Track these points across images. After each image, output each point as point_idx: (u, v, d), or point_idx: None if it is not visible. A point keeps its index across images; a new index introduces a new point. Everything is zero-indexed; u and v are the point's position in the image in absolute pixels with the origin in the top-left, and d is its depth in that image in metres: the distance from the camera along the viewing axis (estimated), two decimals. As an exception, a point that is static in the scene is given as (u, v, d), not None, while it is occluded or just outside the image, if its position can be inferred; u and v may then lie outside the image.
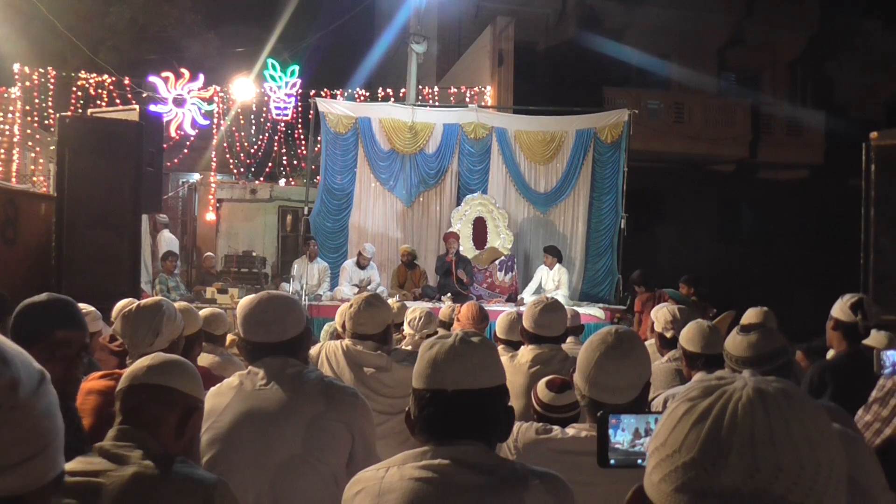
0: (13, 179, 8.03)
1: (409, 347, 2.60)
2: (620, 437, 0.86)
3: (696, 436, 0.54)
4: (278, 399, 1.42)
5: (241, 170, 10.78)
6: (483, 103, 9.68)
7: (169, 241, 8.00)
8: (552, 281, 7.28)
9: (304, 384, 1.46)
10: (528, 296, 7.16)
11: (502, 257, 7.71)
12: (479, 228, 8.02)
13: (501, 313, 2.92)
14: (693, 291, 5.63)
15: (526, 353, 2.28)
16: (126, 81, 9.45)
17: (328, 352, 2.38)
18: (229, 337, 2.92)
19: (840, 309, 2.31)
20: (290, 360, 1.49)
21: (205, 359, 2.52)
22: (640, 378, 1.36)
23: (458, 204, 8.13)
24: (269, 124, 10.35)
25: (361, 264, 7.20)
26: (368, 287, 7.05)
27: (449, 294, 6.83)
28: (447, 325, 3.62)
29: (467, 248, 7.88)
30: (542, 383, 1.80)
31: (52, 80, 9.04)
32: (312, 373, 1.50)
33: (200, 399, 1.23)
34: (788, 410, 0.54)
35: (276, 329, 1.49)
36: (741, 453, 0.52)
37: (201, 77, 9.58)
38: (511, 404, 1.09)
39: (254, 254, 8.08)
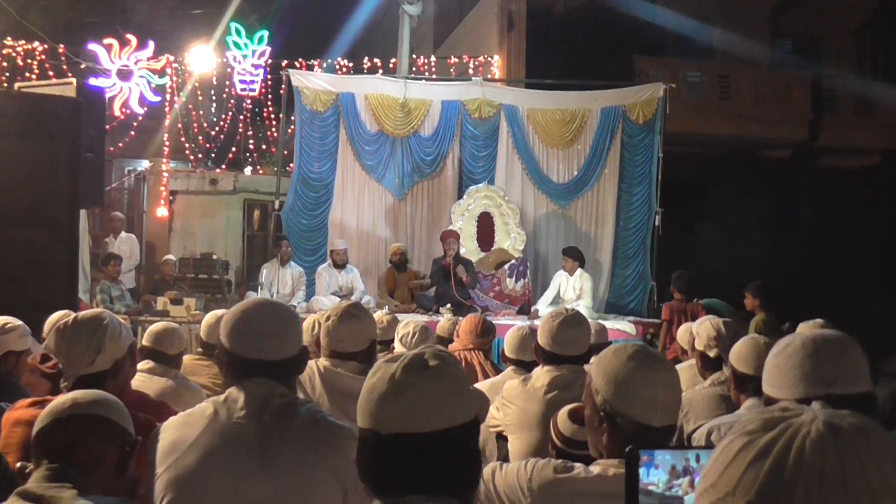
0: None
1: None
2: (654, 477, 0.85)
3: (755, 476, 0.54)
4: (259, 436, 1.40)
5: (199, 156, 10.77)
6: (489, 76, 9.68)
7: (131, 244, 8.07)
8: (573, 289, 7.31)
9: (292, 419, 1.42)
10: (543, 307, 7.18)
11: (512, 261, 7.72)
12: (485, 226, 8.04)
13: (511, 328, 2.94)
14: (759, 303, 5.52)
15: (541, 375, 2.29)
16: (60, 49, 9.39)
17: (302, 374, 2.42)
18: (186, 358, 2.93)
19: None
20: (279, 388, 1.47)
21: (155, 384, 2.52)
22: (679, 398, 1.38)
23: (460, 197, 8.17)
24: (232, 101, 10.33)
25: (337, 262, 7.26)
26: (351, 296, 7.10)
27: (448, 305, 6.86)
28: (446, 341, 3.64)
29: (470, 250, 7.90)
30: (563, 413, 1.82)
31: (-29, 49, 9.10)
32: (303, 405, 1.48)
33: (136, 436, 1.24)
34: (865, 450, 0.54)
35: (272, 344, 1.47)
36: (808, 498, 0.52)
37: (151, 45, 9.53)
38: (479, 447, 1.05)
39: (214, 257, 8.06)
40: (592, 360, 3.23)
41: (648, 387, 1.32)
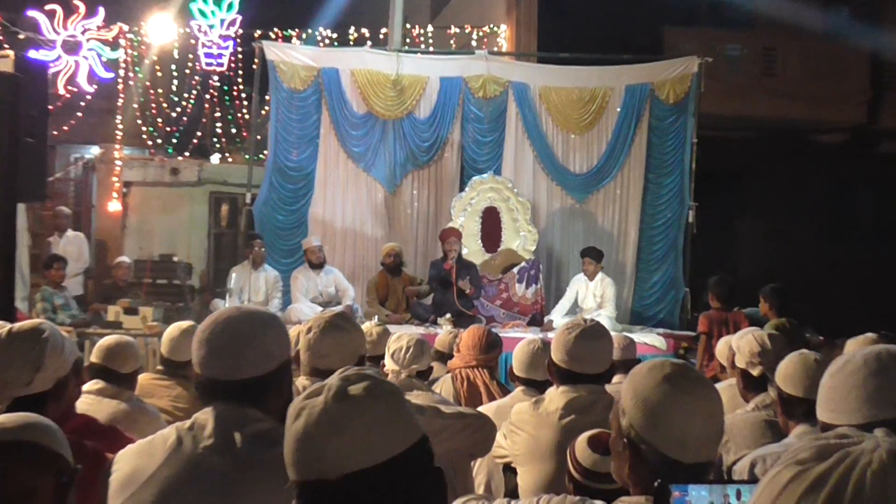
0: None
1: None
2: (688, 516, 0.80)
3: None
4: (228, 470, 1.39)
5: (158, 141, 10.80)
6: (496, 48, 9.73)
7: (79, 244, 8.07)
8: (593, 296, 7.36)
9: (267, 450, 1.39)
10: (558, 317, 7.24)
11: (522, 264, 7.76)
12: (491, 223, 8.10)
13: (521, 341, 2.95)
14: (772, 308, 5.48)
15: (556, 397, 2.30)
16: (-5, 18, 9.50)
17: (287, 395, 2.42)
18: (143, 377, 2.94)
19: None
20: (251, 412, 1.46)
21: (105, 407, 2.53)
22: (720, 432, 1.36)
23: (462, 189, 8.23)
24: (196, 78, 10.38)
25: (312, 262, 7.31)
26: (336, 304, 7.12)
27: (448, 315, 6.90)
28: (445, 357, 3.67)
29: (473, 251, 7.95)
30: (581, 441, 1.82)
31: None
32: (283, 433, 1.48)
33: (75, 465, 1.25)
34: None
35: (240, 361, 1.47)
36: None
37: (101, 12, 9.46)
38: (438, 465, 1.09)
39: (175, 259, 8.10)
40: (618, 379, 3.21)
41: (681, 416, 1.30)
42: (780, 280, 5.79)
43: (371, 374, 1.09)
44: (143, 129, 10.60)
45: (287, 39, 9.42)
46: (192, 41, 9.81)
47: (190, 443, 1.43)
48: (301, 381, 2.14)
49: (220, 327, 1.50)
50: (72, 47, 9.31)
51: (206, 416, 1.45)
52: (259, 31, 9.08)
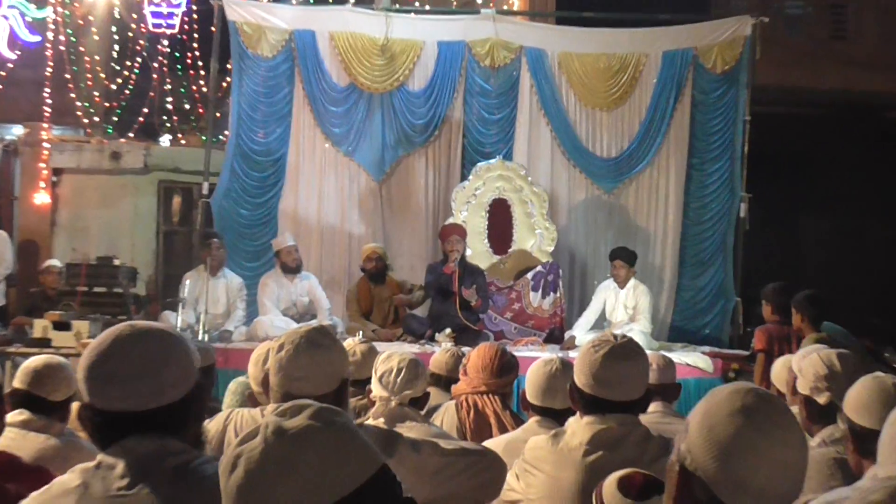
0: None
1: (382, 421, 2.64)
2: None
3: None
4: None
5: (95, 119, 10.78)
6: (506, 6, 9.76)
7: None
8: (624, 308, 7.36)
9: (196, 485, 1.46)
10: (582, 333, 7.25)
11: (538, 268, 7.77)
12: (500, 219, 8.09)
13: (535, 362, 2.97)
14: (807, 320, 5.44)
15: (580, 429, 2.30)
16: None
17: (238, 427, 2.41)
18: (76, 406, 2.91)
19: None
20: (171, 444, 1.51)
21: (31, 442, 2.54)
22: (799, 485, 1.36)
23: (465, 178, 8.21)
24: (142, 43, 10.35)
25: (287, 266, 7.34)
26: (310, 317, 7.11)
27: (448, 330, 6.91)
28: (445, 381, 3.65)
29: (479, 253, 7.95)
30: (610, 483, 1.82)
31: None
32: (211, 464, 1.50)
33: None
34: None
35: (139, 389, 1.51)
36: None
37: (25, -39, 9.58)
38: (409, 496, 1.13)
39: (116, 262, 8.05)
40: (655, 407, 3.19)
41: (750, 460, 1.29)
42: (852, 286, 5.77)
43: (310, 403, 1.14)
44: (77, 104, 10.53)
45: (252, -4, 9.44)
46: (137, -1, 9.88)
47: (99, 486, 1.45)
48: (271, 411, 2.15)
49: (123, 349, 1.53)
50: (-12, 5, 9.38)
51: (114, 456, 1.49)
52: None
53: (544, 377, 2.83)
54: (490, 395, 3.27)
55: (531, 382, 2.87)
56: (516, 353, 4.89)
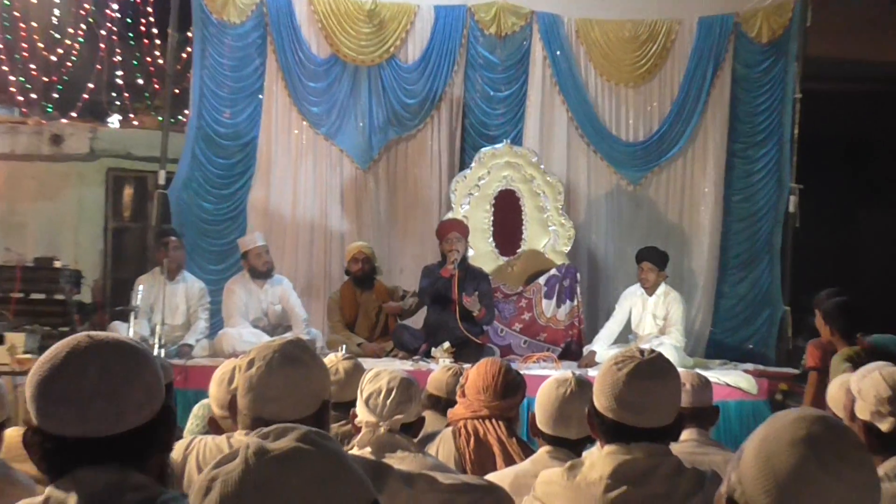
0: None
1: (369, 451, 2.65)
2: None
3: None
4: None
5: (33, 96, 10.74)
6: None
7: None
8: (653, 318, 7.39)
9: None
10: (603, 348, 7.26)
11: (552, 271, 7.84)
12: (508, 214, 8.13)
13: (547, 381, 2.96)
14: (836, 332, 5.50)
15: (600, 461, 2.28)
16: None
17: (201, 457, 2.40)
18: (10, 433, 2.91)
19: None
20: (131, 477, 1.51)
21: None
22: None
23: (466, 166, 8.26)
24: (87, 7, 10.34)
25: (257, 269, 7.36)
26: (284, 329, 7.14)
27: (446, 344, 6.92)
28: (443, 404, 3.68)
29: (483, 253, 7.98)
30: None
31: None
32: (176, 501, 1.51)
33: None
34: None
35: (97, 411, 1.51)
36: None
37: None
38: None
39: (57, 263, 8.03)
40: (688, 435, 3.18)
41: (812, 501, 1.29)
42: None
43: (295, 426, 1.15)
44: (11, 79, 10.47)
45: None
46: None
47: None
48: (239, 439, 2.16)
49: (79, 364, 1.53)
50: None
51: (65, 490, 1.48)
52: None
53: (557, 401, 2.82)
54: (493, 421, 3.27)
55: (542, 407, 2.86)
56: (527, 372, 4.92)
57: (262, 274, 7.37)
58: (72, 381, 1.51)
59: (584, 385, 2.80)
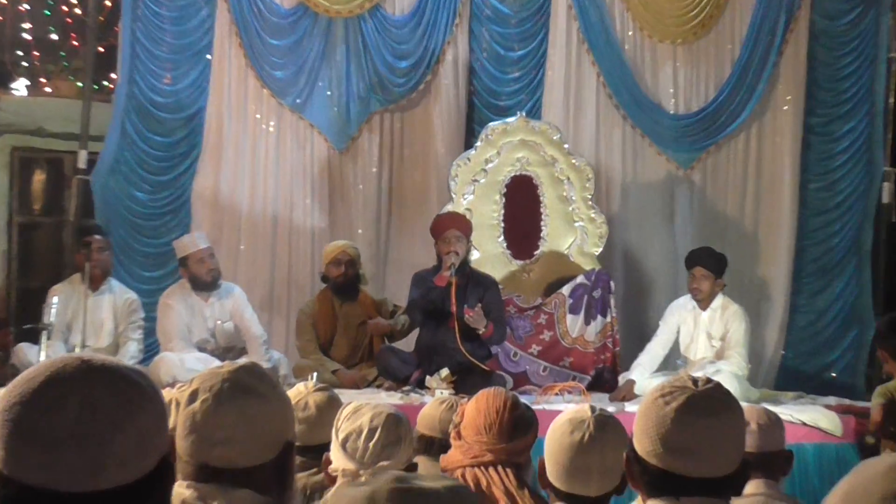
0: None
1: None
2: None
3: None
4: None
5: None
6: None
7: None
8: (708, 338, 7.36)
9: None
10: (644, 375, 7.25)
11: (579, 279, 7.81)
12: (523, 206, 8.10)
13: (557, 420, 2.95)
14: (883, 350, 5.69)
15: (641, 521, 2.27)
16: None
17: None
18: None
19: None
20: None
21: None
22: None
23: (470, 145, 8.26)
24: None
25: (200, 279, 7.40)
26: (236, 354, 7.24)
27: (444, 372, 6.88)
28: (438, 446, 3.71)
29: (491, 256, 7.97)
30: None
31: None
32: None
33: None
34: None
35: (73, 459, 1.48)
36: None
37: None
38: None
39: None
40: (754, 488, 3.11)
41: None
42: None
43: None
44: None
45: None
46: None
47: None
48: (181, 491, 2.14)
49: (61, 395, 1.50)
50: None
51: None
52: None
53: (571, 449, 2.79)
54: (499, 468, 3.25)
55: (552, 456, 2.84)
56: (548, 407, 4.86)
57: (206, 284, 7.40)
58: (43, 416, 1.48)
59: (606, 426, 2.80)
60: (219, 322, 7.43)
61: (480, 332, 7.03)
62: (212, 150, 8.27)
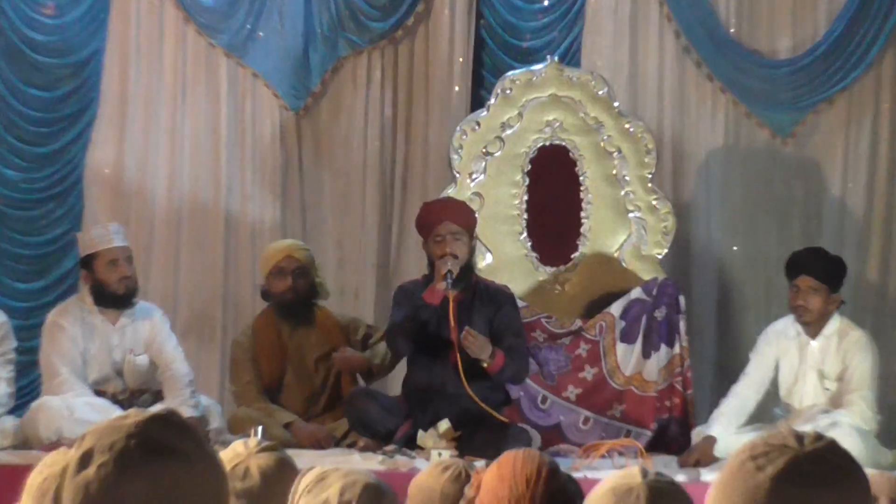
0: None
1: None
2: None
3: None
4: None
5: None
6: None
7: None
8: (819, 376, 7.33)
9: None
10: (728, 429, 7.18)
11: (635, 292, 7.86)
12: (555, 189, 8.17)
13: (600, 486, 2.72)
14: None
15: None
16: None
17: None
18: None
19: None
20: None
21: None
22: None
23: (480, 105, 8.35)
24: None
25: (108, 289, 7.39)
26: (148, 399, 7.40)
27: (445, 424, 6.99)
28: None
29: (508, 259, 8.15)
30: None
31: None
32: None
33: None
34: None
35: None
36: None
37: None
38: None
39: None
40: None
41: None
42: None
43: None
44: None
45: None
46: None
47: None
48: None
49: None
50: None
51: None
52: None
53: None
54: None
55: None
56: (590, 474, 4.80)
57: (116, 299, 7.37)
58: None
59: (663, 498, 2.55)
60: (130, 354, 7.41)
61: (484, 365, 6.96)
62: (112, 110, 8.52)
